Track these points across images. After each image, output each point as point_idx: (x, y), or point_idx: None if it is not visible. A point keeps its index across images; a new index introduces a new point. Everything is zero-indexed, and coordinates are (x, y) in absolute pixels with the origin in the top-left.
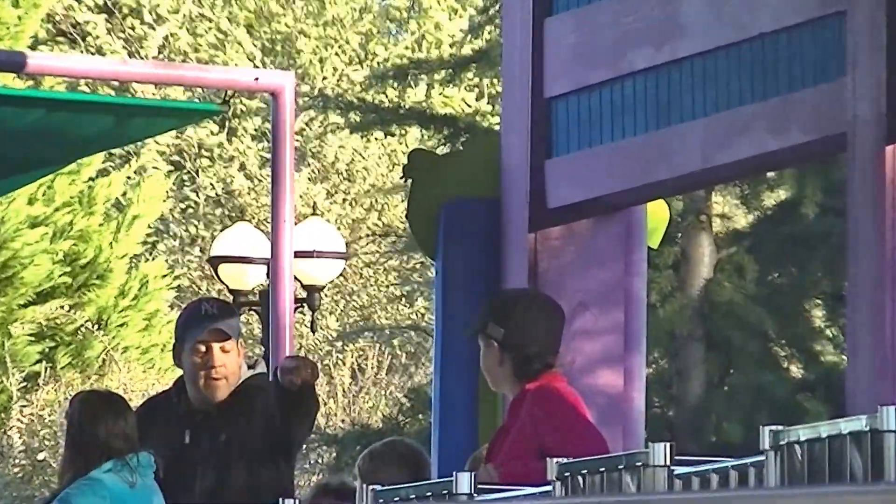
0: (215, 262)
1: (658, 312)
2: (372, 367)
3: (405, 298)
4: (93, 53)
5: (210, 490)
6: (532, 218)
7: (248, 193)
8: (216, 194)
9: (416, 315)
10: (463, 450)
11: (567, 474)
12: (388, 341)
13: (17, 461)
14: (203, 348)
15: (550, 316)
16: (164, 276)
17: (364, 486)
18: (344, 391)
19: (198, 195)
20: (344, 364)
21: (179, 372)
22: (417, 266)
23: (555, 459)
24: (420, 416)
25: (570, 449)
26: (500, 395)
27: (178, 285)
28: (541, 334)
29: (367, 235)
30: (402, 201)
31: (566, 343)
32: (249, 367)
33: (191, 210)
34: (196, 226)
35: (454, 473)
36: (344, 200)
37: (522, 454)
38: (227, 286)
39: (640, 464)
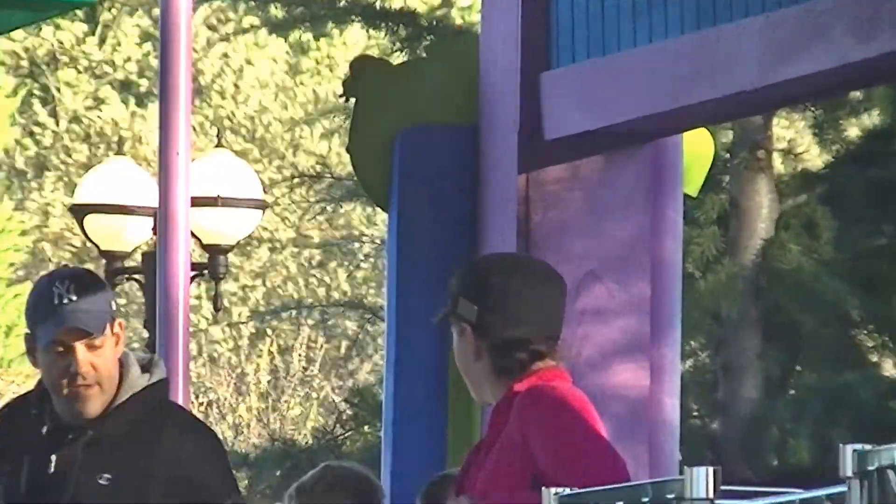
0: (80, 211)
1: (698, 286)
2: (299, 361)
3: (345, 265)
4: None
5: None
6: (523, 154)
7: (128, 119)
8: (82, 119)
9: (360, 289)
10: (425, 474)
11: None
12: (320, 325)
13: None
14: (60, 348)
15: (545, 289)
16: (3, 231)
17: None
18: (260, 394)
19: (56, 120)
20: (259, 356)
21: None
22: (363, 220)
23: (553, 490)
24: (366, 427)
25: (574, 474)
26: (480, 405)
27: (27, 246)
28: (531, 314)
29: (293, 177)
30: (343, 128)
31: (570, 328)
32: (144, 369)
33: (46, 140)
34: (54, 161)
35: None
36: (259, 130)
37: (508, 481)
38: (97, 246)
39: (672, 496)
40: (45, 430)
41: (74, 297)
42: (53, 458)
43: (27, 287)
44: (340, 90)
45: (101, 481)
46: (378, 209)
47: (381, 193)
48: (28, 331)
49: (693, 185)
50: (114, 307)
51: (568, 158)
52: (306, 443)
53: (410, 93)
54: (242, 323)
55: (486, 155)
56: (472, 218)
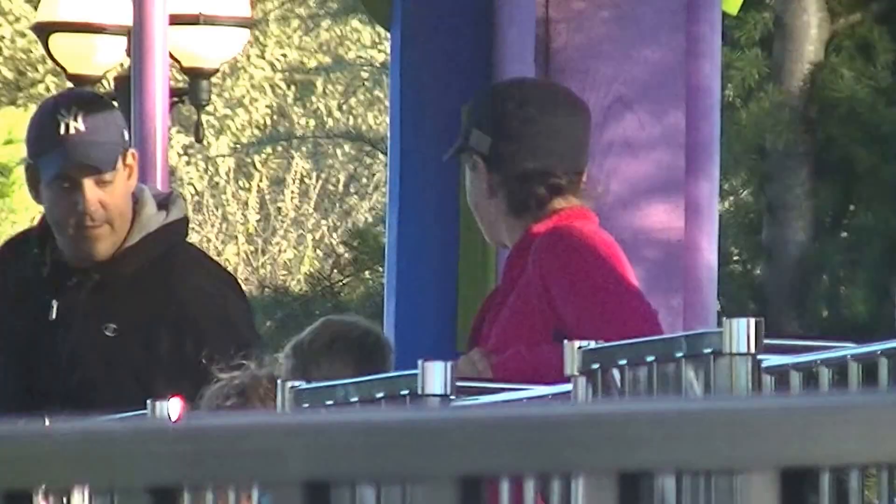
0: (44, 30)
1: (739, 115)
2: (291, 198)
3: (342, 91)
4: None
5: (76, 394)
6: None
7: None
8: None
9: (359, 118)
10: (434, 328)
11: (596, 366)
12: (314, 157)
13: None
14: (66, 184)
15: (567, 117)
16: None
17: (283, 384)
18: (248, 234)
19: None
20: (248, 191)
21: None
22: (361, 39)
23: (577, 343)
24: (367, 273)
25: (600, 326)
26: (496, 248)
27: None
28: (551, 144)
29: None
30: None
31: (595, 162)
32: (161, 206)
33: None
34: None
35: (420, 363)
36: None
37: (526, 333)
38: (63, 70)
39: (709, 350)
40: (45, 272)
41: (82, 127)
42: (55, 303)
43: None
44: None
45: (106, 332)
46: (379, 27)
47: (382, 8)
48: (29, 161)
49: (732, 2)
50: (126, 136)
51: None
52: (300, 290)
53: None
54: (226, 155)
55: None
56: (485, 39)
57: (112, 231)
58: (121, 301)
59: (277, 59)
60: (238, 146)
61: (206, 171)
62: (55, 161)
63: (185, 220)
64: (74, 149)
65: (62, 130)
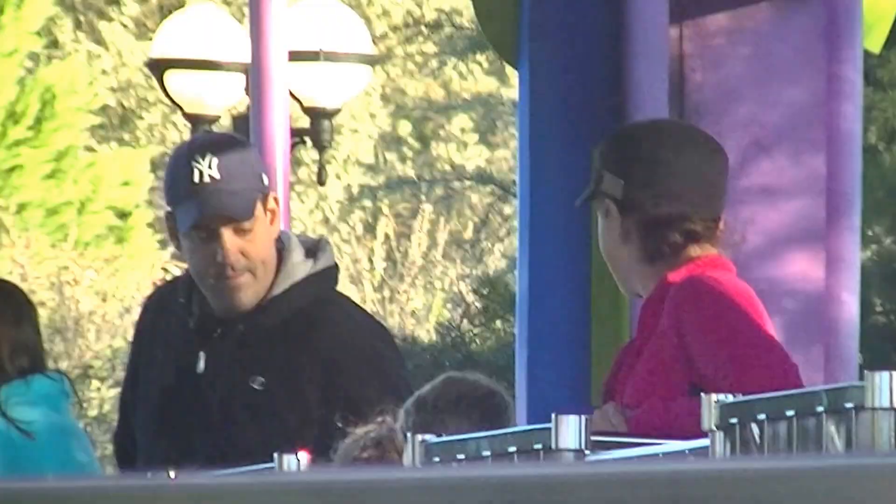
0: (159, 67)
1: (882, 159)
2: (419, 244)
3: (471, 130)
4: None
5: (222, 451)
6: (676, 0)
7: None
8: None
9: (490, 159)
10: (566, 379)
11: (734, 420)
12: (444, 201)
13: None
14: (203, 234)
15: (704, 161)
16: (71, 89)
17: (412, 437)
18: (374, 283)
19: None
20: (372, 237)
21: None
22: (492, 75)
23: (714, 396)
24: (497, 322)
25: (738, 379)
26: (629, 298)
27: (106, 106)
28: (687, 189)
29: (407, 25)
30: None
31: (732, 209)
32: (309, 253)
33: None
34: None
35: (554, 417)
36: None
37: (662, 386)
38: (180, 108)
39: (851, 404)
40: (192, 322)
41: (217, 174)
42: (202, 355)
43: (101, 157)
44: None
45: (254, 385)
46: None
47: (508, 45)
48: (168, 209)
49: (876, 40)
50: (265, 181)
51: (729, 6)
52: (429, 341)
53: None
54: (354, 200)
55: (631, 3)
56: (616, 78)
57: (255, 280)
58: (267, 353)
59: (402, 98)
60: (364, 190)
61: (324, 214)
62: (190, 211)
63: (334, 268)
64: (209, 198)
65: (196, 178)
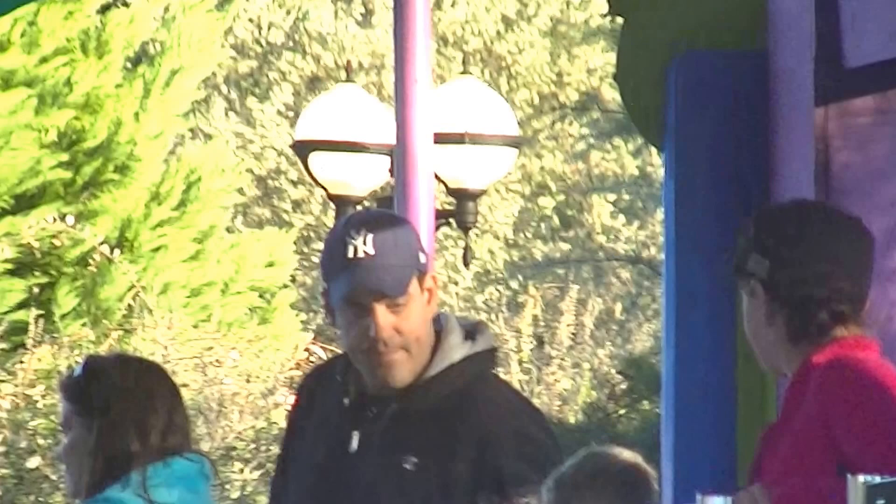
0: (304, 149)
1: None
2: (567, 326)
3: (619, 212)
4: None
5: None
6: (820, 83)
7: (354, 37)
8: (293, 38)
9: (638, 240)
10: (711, 459)
11: (881, 502)
12: (592, 282)
13: None
14: (356, 309)
15: (850, 242)
16: (224, 170)
17: None
18: (521, 363)
19: (262, 33)
20: (520, 318)
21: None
22: (637, 157)
23: (861, 477)
24: (644, 402)
25: (887, 460)
26: (773, 377)
27: (247, 185)
28: (833, 270)
29: (553, 109)
30: (609, 52)
31: (879, 289)
32: (468, 335)
33: (260, 59)
34: (271, 82)
35: (698, 497)
36: (512, 53)
37: (808, 466)
38: (324, 189)
39: None
40: (347, 401)
41: (371, 250)
42: (355, 434)
43: (247, 237)
44: (606, 8)
45: (406, 465)
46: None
47: (654, 129)
48: (324, 284)
49: None
50: (422, 259)
51: (874, 89)
52: (576, 421)
53: (688, 11)
54: (501, 281)
55: (777, 84)
56: (761, 159)
57: (409, 357)
58: (421, 433)
59: (546, 180)
60: (510, 268)
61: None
62: (342, 285)
63: (492, 351)
64: (362, 273)
65: (350, 254)
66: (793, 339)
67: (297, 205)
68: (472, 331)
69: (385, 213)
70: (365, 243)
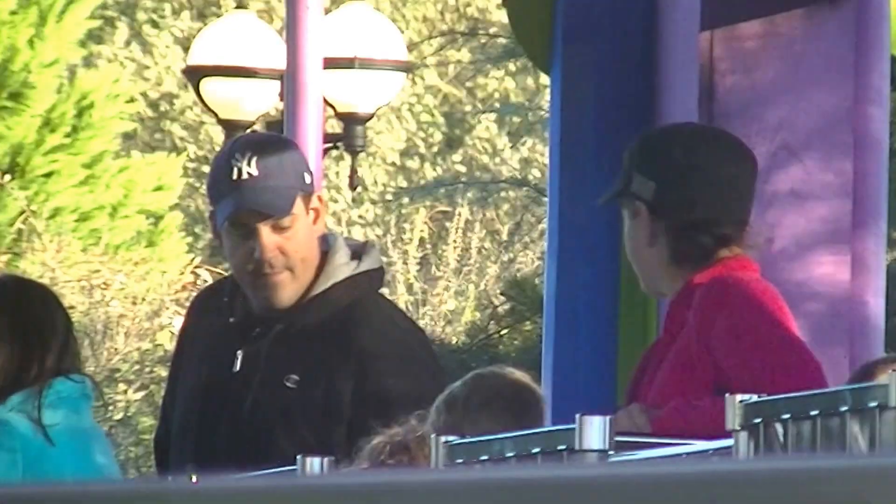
0: (195, 74)
1: None
2: (454, 246)
3: (504, 135)
4: None
5: (254, 446)
6: (706, 7)
7: None
8: None
9: (522, 162)
10: (593, 381)
11: (758, 420)
12: (477, 203)
13: None
14: (242, 231)
15: (735, 165)
16: (118, 95)
17: (436, 439)
18: (408, 286)
19: None
20: (404, 242)
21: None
22: (524, 82)
23: (738, 396)
24: (527, 323)
25: (763, 379)
26: (654, 298)
27: (139, 113)
28: (717, 193)
29: (442, 34)
30: None
31: (760, 212)
32: (355, 255)
33: None
34: (165, 11)
35: (578, 418)
36: None
37: (687, 387)
38: (215, 114)
39: (875, 404)
40: (233, 321)
41: (255, 171)
42: (239, 353)
43: (136, 162)
44: None
45: (287, 384)
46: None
47: (542, 53)
48: (211, 209)
49: None
50: (308, 180)
51: (759, 12)
52: (459, 342)
53: None
54: (389, 201)
55: (664, 8)
56: (646, 83)
57: (294, 278)
58: (303, 351)
59: (435, 104)
60: (399, 192)
61: (377, 222)
62: (227, 207)
63: (378, 271)
64: (246, 194)
65: (234, 175)
66: (676, 261)
67: (190, 129)
68: (359, 251)
69: (271, 135)
70: (249, 165)
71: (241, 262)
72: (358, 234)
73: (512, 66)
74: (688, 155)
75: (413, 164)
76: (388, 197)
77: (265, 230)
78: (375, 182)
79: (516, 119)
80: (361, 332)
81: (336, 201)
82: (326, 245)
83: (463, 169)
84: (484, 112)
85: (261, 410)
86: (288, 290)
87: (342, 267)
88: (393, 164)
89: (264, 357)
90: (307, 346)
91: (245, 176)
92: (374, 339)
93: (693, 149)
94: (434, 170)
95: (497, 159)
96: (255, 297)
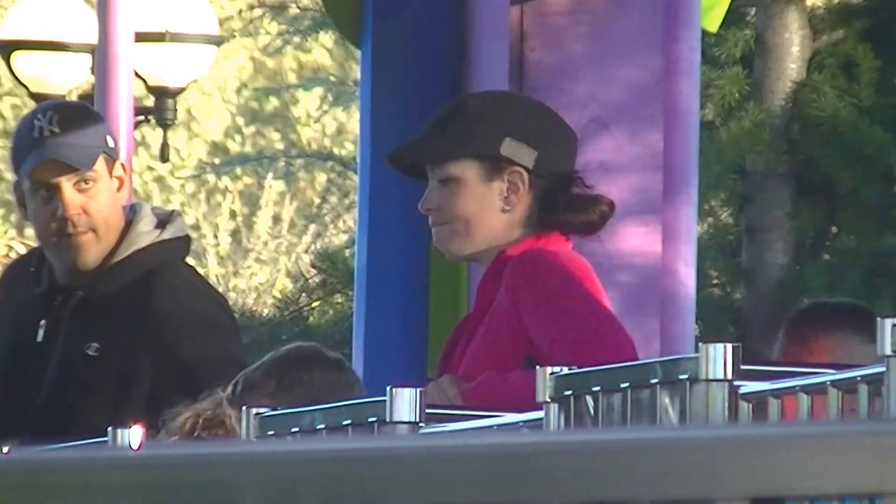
0: (6, 48)
1: (718, 135)
2: (262, 218)
3: (313, 107)
4: None
5: (55, 417)
6: None
7: None
8: None
9: (332, 136)
10: (404, 353)
11: (569, 392)
12: (285, 176)
13: None
14: (45, 191)
15: (573, 135)
16: None
17: (247, 410)
18: (219, 256)
19: None
20: (216, 213)
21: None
22: (334, 56)
23: (549, 368)
24: (338, 296)
25: (573, 351)
26: (465, 272)
27: None
28: (571, 161)
29: (251, 8)
30: None
31: None
32: (160, 224)
33: None
34: None
35: (388, 390)
36: None
37: (498, 359)
38: (26, 88)
39: (685, 376)
40: (38, 290)
41: (57, 129)
42: (42, 324)
43: None
44: None
45: (88, 351)
46: (349, 44)
47: (352, 25)
48: (15, 177)
49: (712, 20)
50: (111, 144)
51: None
52: (267, 315)
53: None
54: (196, 175)
55: None
56: (456, 55)
57: (97, 239)
58: (104, 319)
59: (245, 78)
60: (207, 166)
61: (186, 192)
62: (30, 162)
63: (181, 240)
64: (47, 149)
65: (36, 133)
66: (531, 225)
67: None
68: (164, 220)
69: (76, 102)
70: (51, 123)
71: (45, 222)
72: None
73: (325, 41)
74: (554, 122)
75: (230, 141)
76: (201, 171)
77: (67, 187)
78: (190, 155)
79: (324, 92)
80: (160, 298)
81: (156, 177)
82: (132, 213)
83: (280, 143)
84: (293, 87)
85: (62, 381)
86: (92, 252)
87: (144, 235)
88: (205, 138)
89: (65, 327)
90: (107, 315)
91: (47, 133)
92: (173, 304)
93: (550, 117)
94: (245, 144)
95: (312, 130)
96: (58, 260)
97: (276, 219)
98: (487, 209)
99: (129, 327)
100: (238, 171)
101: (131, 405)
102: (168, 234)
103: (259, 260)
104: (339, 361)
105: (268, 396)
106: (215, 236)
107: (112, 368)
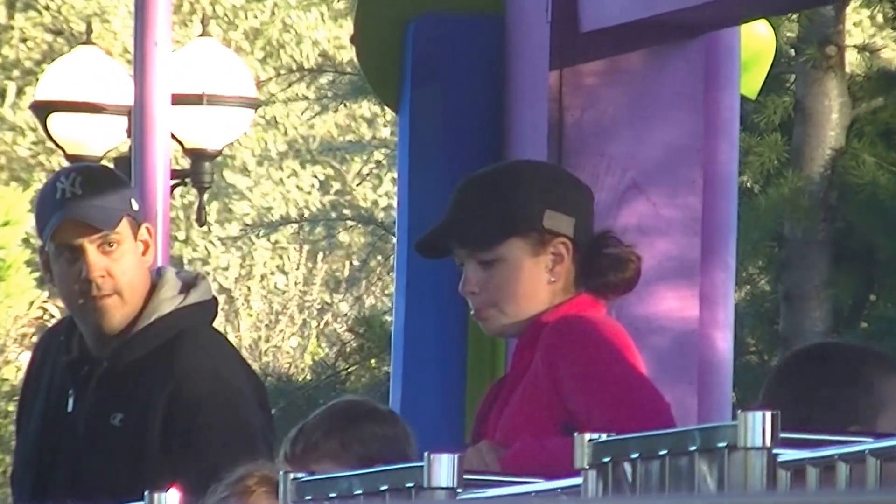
0: (42, 110)
1: (757, 201)
2: (296, 284)
3: (354, 172)
4: None
5: (84, 488)
6: (556, 46)
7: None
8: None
9: (370, 201)
10: (440, 418)
11: (607, 459)
12: (324, 242)
13: None
14: (69, 254)
15: (590, 198)
16: None
17: (284, 475)
18: (254, 321)
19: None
20: (250, 277)
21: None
22: (374, 120)
23: (587, 435)
24: (373, 361)
25: (611, 418)
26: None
27: None
28: (591, 223)
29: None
30: (347, 18)
31: None
32: (184, 288)
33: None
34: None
35: (426, 455)
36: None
37: (535, 425)
38: (62, 150)
39: (724, 444)
40: (67, 360)
41: (80, 192)
42: (71, 393)
43: None
44: None
45: (113, 422)
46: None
47: (391, 91)
48: (41, 242)
49: (752, 86)
50: (135, 206)
51: (608, 53)
52: (305, 379)
53: None
54: (234, 238)
55: (513, 48)
56: (496, 121)
57: (122, 303)
58: (127, 388)
59: (284, 140)
60: (245, 229)
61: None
62: (52, 223)
63: (207, 304)
64: (69, 209)
65: (59, 195)
66: (567, 290)
67: (33, 165)
68: (189, 283)
69: (98, 165)
70: (73, 185)
71: (69, 285)
72: (202, 271)
73: (364, 106)
74: (574, 183)
75: (263, 200)
76: (234, 234)
77: (91, 249)
78: (230, 218)
79: (367, 159)
80: (176, 365)
81: (193, 244)
82: (158, 277)
83: (319, 205)
84: (333, 150)
85: (89, 450)
86: (117, 316)
87: (166, 301)
88: (242, 198)
89: (90, 397)
90: (131, 383)
91: (69, 195)
92: (186, 370)
93: (570, 181)
94: (284, 206)
95: (345, 198)
96: (85, 325)
97: (310, 283)
98: (535, 284)
99: (148, 396)
100: (273, 234)
101: (153, 472)
102: (192, 298)
103: (293, 322)
104: (392, 413)
105: (328, 456)
106: (247, 300)
107: (132, 439)
